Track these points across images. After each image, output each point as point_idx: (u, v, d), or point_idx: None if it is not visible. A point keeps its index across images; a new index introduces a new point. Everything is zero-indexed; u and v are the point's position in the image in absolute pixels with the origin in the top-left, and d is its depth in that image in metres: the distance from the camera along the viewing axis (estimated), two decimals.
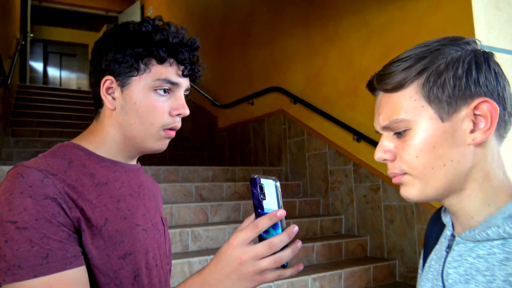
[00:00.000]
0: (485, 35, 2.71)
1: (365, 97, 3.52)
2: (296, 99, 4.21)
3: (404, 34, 3.20)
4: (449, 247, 0.67)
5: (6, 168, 3.23)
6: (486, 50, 0.64)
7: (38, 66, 11.03)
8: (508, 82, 0.64)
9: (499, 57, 2.43)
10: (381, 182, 3.37)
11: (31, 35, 7.55)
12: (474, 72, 0.61)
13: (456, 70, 0.61)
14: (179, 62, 0.83)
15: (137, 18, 8.30)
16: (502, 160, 0.64)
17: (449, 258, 0.66)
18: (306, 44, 4.18)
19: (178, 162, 5.20)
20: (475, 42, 0.64)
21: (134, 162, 0.89)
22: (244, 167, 4.53)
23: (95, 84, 0.84)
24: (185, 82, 0.85)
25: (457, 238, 0.66)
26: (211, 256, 2.72)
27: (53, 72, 11.36)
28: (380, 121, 0.66)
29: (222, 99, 5.53)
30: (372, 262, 3.14)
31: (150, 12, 8.07)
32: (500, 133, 0.64)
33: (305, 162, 4.14)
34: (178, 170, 3.85)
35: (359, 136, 3.50)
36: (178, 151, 5.77)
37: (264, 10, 4.87)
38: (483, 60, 0.62)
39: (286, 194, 4.06)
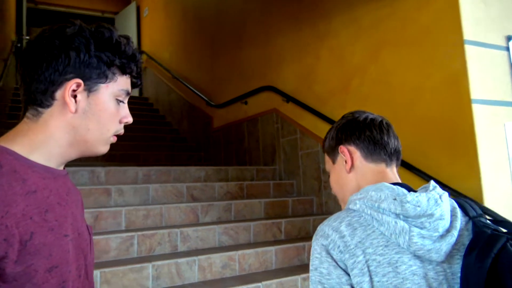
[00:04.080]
0: (472, 31, 2.68)
1: (356, 94, 3.50)
2: (288, 98, 4.20)
3: (393, 30, 3.18)
4: None
5: None
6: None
7: None
8: (370, 129, 1.00)
9: (487, 53, 2.42)
10: None
11: (27, 37, 7.55)
12: (342, 133, 1.02)
13: (331, 135, 1.05)
14: (135, 75, 0.89)
15: (133, 19, 8.30)
16: (371, 173, 0.98)
17: None
18: (298, 43, 4.16)
19: (174, 162, 5.20)
20: (368, 115, 1.03)
21: (62, 167, 0.87)
22: (237, 166, 4.52)
23: (49, 83, 0.79)
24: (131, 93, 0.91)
25: None
26: (200, 257, 2.72)
27: None
28: None
29: (217, 99, 5.52)
30: None
31: (146, 13, 8.06)
32: (373, 159, 0.98)
33: (298, 161, 4.12)
34: (170, 171, 3.84)
35: None
36: (174, 152, 5.77)
37: (256, 10, 4.86)
38: (354, 126, 1.01)
39: (280, 193, 4.04)
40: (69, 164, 3.35)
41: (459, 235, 0.84)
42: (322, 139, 3.83)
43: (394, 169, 1.00)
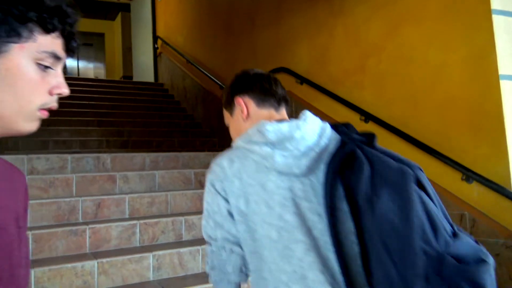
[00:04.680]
0: None
1: (373, 75, 3.27)
2: (302, 80, 3.99)
3: (412, 3, 2.92)
4: None
5: (9, 158, 3.17)
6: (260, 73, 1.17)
7: None
8: (260, 81, 1.14)
9: None
10: None
11: None
12: (236, 87, 1.15)
13: (227, 90, 1.19)
14: (68, 36, 0.72)
15: (147, 4, 8.17)
16: (263, 118, 1.08)
17: None
18: (311, 22, 3.94)
19: (187, 148, 5.08)
20: (257, 71, 1.17)
21: None
22: None
23: None
24: (65, 58, 0.74)
25: None
26: (204, 246, 2.58)
27: (70, 62, 11.39)
28: None
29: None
30: None
31: None
32: (264, 106, 1.11)
33: None
34: (178, 157, 3.71)
35: (367, 117, 3.27)
36: (188, 137, 5.65)
37: None
38: (246, 79, 1.15)
39: None
40: (75, 151, 3.21)
41: (325, 149, 0.97)
42: (337, 122, 3.65)
43: (283, 112, 1.14)
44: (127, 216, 2.86)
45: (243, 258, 1.00)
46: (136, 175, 3.18)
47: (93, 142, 5.01)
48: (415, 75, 2.92)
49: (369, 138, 0.96)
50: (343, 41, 3.57)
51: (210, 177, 1.03)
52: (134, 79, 8.69)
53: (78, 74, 11.23)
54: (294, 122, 0.99)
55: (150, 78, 8.16)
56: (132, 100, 6.62)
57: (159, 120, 6.09)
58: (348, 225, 0.86)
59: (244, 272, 1.01)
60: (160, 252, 2.43)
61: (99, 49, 11.40)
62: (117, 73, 10.84)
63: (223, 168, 1.00)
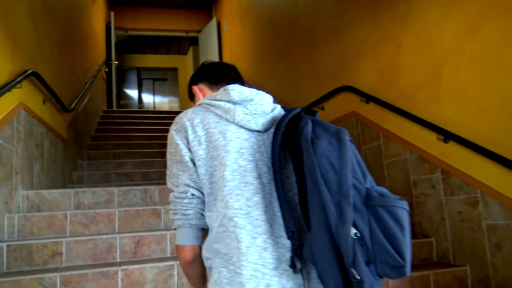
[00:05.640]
0: None
1: (451, 85, 2.74)
2: (368, 98, 3.53)
3: None
4: None
5: (56, 193, 3.11)
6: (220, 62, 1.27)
7: (134, 93, 11.61)
8: (213, 68, 1.26)
9: None
10: (479, 194, 2.55)
11: (116, 62, 7.86)
12: (193, 79, 1.27)
13: (192, 78, 1.28)
14: None
15: (214, 35, 8.23)
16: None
17: None
18: (376, 32, 3.50)
19: None
20: (212, 61, 1.29)
21: None
22: None
23: None
24: None
25: None
26: None
27: (147, 98, 11.87)
28: None
29: (293, 106, 5.01)
30: None
31: (225, 27, 7.93)
32: (217, 87, 1.19)
33: (383, 171, 3.42)
34: None
35: (446, 136, 2.73)
36: None
37: (329, 2, 4.29)
38: (200, 70, 1.26)
39: None
40: (123, 184, 3.01)
41: (277, 117, 1.08)
42: (410, 144, 3.12)
43: None
44: (168, 255, 2.59)
45: (203, 203, 1.05)
46: None
47: (155, 173, 4.92)
48: (505, 81, 2.36)
49: (311, 114, 1.05)
50: (413, 49, 3.08)
51: (173, 128, 1.09)
52: None
53: (154, 108, 11.64)
54: (254, 89, 1.10)
55: None
56: None
57: None
58: (291, 180, 1.01)
59: (204, 216, 1.06)
60: None
61: (173, 83, 11.75)
62: (190, 105, 11.05)
63: (189, 119, 1.07)
